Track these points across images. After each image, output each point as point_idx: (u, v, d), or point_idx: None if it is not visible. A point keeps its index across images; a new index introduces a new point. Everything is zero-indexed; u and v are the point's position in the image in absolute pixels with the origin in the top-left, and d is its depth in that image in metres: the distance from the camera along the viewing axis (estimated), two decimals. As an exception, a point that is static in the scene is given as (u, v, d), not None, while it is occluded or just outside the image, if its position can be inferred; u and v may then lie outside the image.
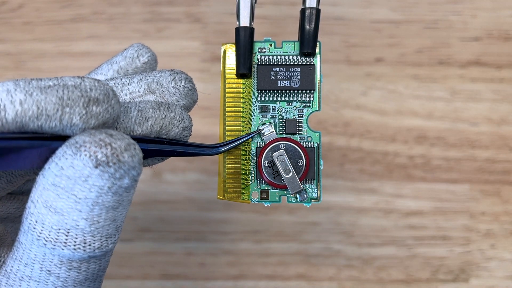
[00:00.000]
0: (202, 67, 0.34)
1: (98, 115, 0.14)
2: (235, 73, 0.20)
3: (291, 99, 0.20)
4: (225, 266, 0.33)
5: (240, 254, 0.33)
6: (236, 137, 0.20)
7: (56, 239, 0.13)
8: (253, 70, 0.20)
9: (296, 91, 0.20)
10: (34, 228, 0.14)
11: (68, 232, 0.13)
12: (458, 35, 0.34)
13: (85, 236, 0.13)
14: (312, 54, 0.20)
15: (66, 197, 0.13)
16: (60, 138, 0.14)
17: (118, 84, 0.17)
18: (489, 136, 0.34)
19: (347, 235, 0.34)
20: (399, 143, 0.34)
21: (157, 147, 0.16)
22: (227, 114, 0.20)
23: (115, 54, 0.19)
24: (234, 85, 0.20)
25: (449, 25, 0.35)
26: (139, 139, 0.15)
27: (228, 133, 0.20)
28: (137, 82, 0.17)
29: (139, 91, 0.17)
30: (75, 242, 0.14)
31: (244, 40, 0.19)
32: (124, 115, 0.15)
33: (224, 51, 0.20)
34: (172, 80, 0.17)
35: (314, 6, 0.19)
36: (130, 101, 0.16)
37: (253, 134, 0.20)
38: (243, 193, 0.20)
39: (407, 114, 0.34)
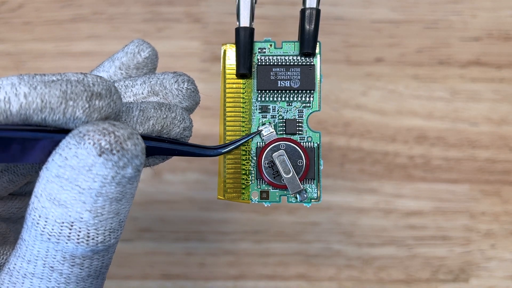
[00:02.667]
0: (202, 67, 0.34)
1: (100, 109, 0.14)
2: (235, 73, 0.20)
3: (291, 99, 0.20)
4: (225, 266, 0.33)
5: (240, 254, 0.33)
6: (236, 138, 0.20)
7: (60, 233, 0.13)
8: (253, 70, 0.20)
9: (296, 91, 0.20)
10: (38, 223, 0.14)
11: (71, 226, 0.13)
12: (458, 35, 0.34)
13: (88, 230, 0.13)
14: (312, 54, 0.20)
15: (70, 188, 0.13)
16: (63, 131, 0.14)
17: (122, 86, 0.17)
18: (489, 136, 0.34)
19: (347, 235, 0.34)
20: (399, 143, 0.34)
21: (158, 145, 0.16)
22: (227, 114, 0.20)
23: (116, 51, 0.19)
24: (234, 85, 0.20)
25: (449, 25, 0.35)
26: (141, 136, 0.16)
27: (228, 133, 0.20)
28: (140, 84, 0.17)
29: (142, 93, 0.17)
30: (78, 235, 0.13)
31: (244, 40, 0.19)
32: (126, 114, 0.16)
33: (224, 51, 0.20)
34: (175, 82, 0.17)
35: (314, 6, 0.19)
36: (132, 102, 0.17)
37: (254, 135, 0.20)
38: (243, 193, 0.20)
39: (407, 114, 0.34)
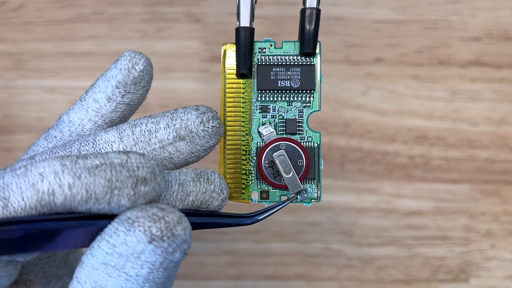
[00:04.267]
0: (202, 67, 0.34)
1: (146, 195, 0.14)
2: (235, 73, 0.20)
3: (291, 99, 0.20)
4: (225, 266, 0.33)
5: (240, 254, 0.33)
6: (272, 204, 0.19)
7: None
8: (253, 70, 0.20)
9: (296, 91, 0.20)
10: None
11: None
12: (458, 35, 0.34)
13: None
14: (312, 54, 0.20)
15: (117, 275, 0.13)
16: (106, 217, 0.13)
17: (145, 132, 0.17)
18: (489, 136, 0.34)
19: (347, 235, 0.34)
20: (399, 143, 0.34)
21: (198, 220, 0.16)
22: (227, 114, 0.20)
23: (108, 68, 0.18)
24: (234, 85, 0.20)
25: (449, 25, 0.35)
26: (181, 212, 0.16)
27: (228, 133, 0.20)
28: (164, 128, 0.17)
29: (168, 139, 0.17)
30: None
31: (244, 40, 0.19)
32: (165, 189, 0.15)
33: (224, 51, 0.20)
34: (201, 123, 0.17)
35: (314, 6, 0.19)
36: (169, 172, 0.16)
37: (290, 201, 0.19)
38: (243, 193, 0.20)
39: (407, 114, 0.34)
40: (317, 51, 0.20)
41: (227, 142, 0.20)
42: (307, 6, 0.19)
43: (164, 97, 0.34)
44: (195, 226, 0.16)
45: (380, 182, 0.34)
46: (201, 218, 0.17)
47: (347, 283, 0.33)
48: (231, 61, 0.20)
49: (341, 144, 0.34)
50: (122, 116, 0.18)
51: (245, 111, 0.20)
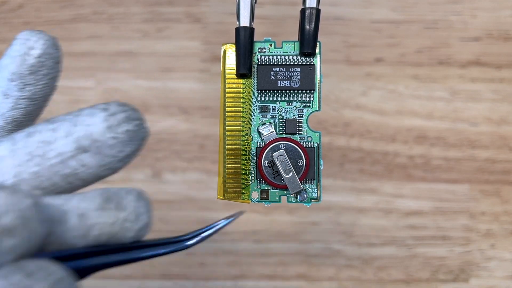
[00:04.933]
0: (202, 67, 0.34)
1: (14, 249, 0.10)
2: (235, 73, 0.20)
3: (291, 99, 0.20)
4: (225, 266, 0.33)
5: (240, 254, 0.33)
6: (207, 225, 0.16)
7: None
8: (253, 70, 0.20)
9: (296, 91, 0.20)
10: None
11: None
12: (458, 35, 0.34)
13: None
14: (312, 54, 0.20)
15: None
16: None
17: (40, 143, 0.13)
18: (489, 136, 0.34)
19: (347, 235, 0.34)
20: (399, 143, 0.34)
21: (105, 260, 0.13)
22: (227, 114, 0.20)
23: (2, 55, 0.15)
24: (234, 85, 0.20)
25: (449, 25, 0.35)
26: (81, 254, 0.13)
27: (228, 133, 0.20)
28: (64, 137, 0.13)
29: (70, 151, 0.13)
30: None
31: (244, 40, 0.19)
32: (59, 224, 0.12)
33: (224, 51, 0.20)
34: (108, 128, 0.13)
35: (314, 6, 0.19)
36: (69, 198, 0.12)
37: (226, 224, 0.16)
38: (243, 193, 0.20)
39: (407, 114, 0.34)
40: (317, 51, 0.20)
41: (227, 142, 0.20)
42: (307, 6, 0.19)
43: (164, 97, 0.34)
44: (101, 267, 0.13)
45: (380, 182, 0.34)
46: (109, 256, 0.13)
47: (347, 283, 0.33)
48: (231, 61, 0.20)
49: (341, 144, 0.34)
50: (26, 113, 0.15)
51: (245, 111, 0.20)
